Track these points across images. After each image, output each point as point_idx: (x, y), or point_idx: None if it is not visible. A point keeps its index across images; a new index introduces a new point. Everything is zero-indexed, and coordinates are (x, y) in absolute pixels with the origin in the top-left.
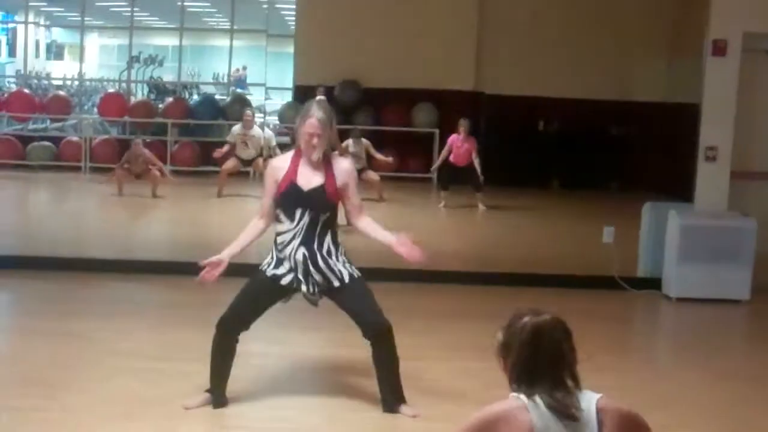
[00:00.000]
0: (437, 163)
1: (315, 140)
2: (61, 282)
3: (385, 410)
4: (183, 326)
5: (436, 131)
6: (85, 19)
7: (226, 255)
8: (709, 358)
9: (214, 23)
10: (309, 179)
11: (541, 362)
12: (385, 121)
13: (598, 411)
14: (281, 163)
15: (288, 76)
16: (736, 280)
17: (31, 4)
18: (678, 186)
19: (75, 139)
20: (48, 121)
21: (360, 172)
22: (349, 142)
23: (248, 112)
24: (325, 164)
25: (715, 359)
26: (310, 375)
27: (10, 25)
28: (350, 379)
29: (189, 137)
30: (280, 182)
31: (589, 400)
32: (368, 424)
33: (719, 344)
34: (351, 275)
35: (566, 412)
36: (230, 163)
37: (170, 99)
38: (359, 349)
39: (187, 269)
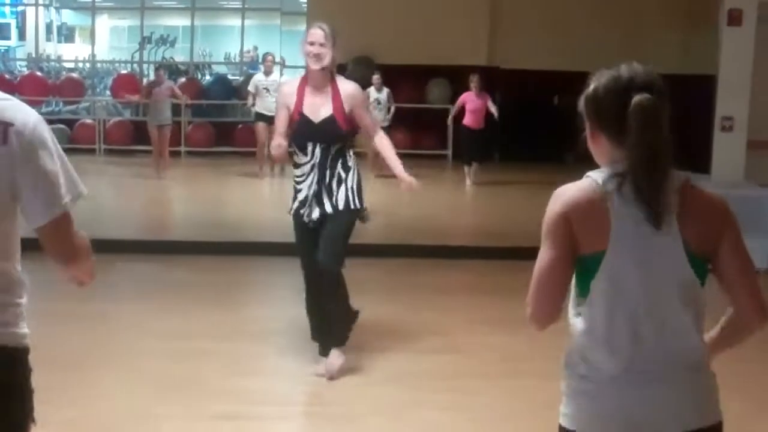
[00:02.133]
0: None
1: (319, 49)
2: None
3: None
4: (209, 306)
5: (450, 107)
6: (96, 0)
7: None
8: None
9: (225, 2)
10: (317, 110)
11: (647, 152)
12: (399, 97)
13: (680, 199)
14: (290, 88)
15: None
16: (755, 250)
17: None
18: (694, 158)
19: (89, 121)
20: (61, 104)
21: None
22: (371, 90)
23: (269, 56)
24: (331, 90)
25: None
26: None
27: (20, 8)
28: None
29: (203, 118)
30: (292, 113)
31: (673, 188)
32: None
33: None
34: (346, 205)
35: (644, 216)
36: (259, 128)
37: (183, 79)
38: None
39: (209, 249)
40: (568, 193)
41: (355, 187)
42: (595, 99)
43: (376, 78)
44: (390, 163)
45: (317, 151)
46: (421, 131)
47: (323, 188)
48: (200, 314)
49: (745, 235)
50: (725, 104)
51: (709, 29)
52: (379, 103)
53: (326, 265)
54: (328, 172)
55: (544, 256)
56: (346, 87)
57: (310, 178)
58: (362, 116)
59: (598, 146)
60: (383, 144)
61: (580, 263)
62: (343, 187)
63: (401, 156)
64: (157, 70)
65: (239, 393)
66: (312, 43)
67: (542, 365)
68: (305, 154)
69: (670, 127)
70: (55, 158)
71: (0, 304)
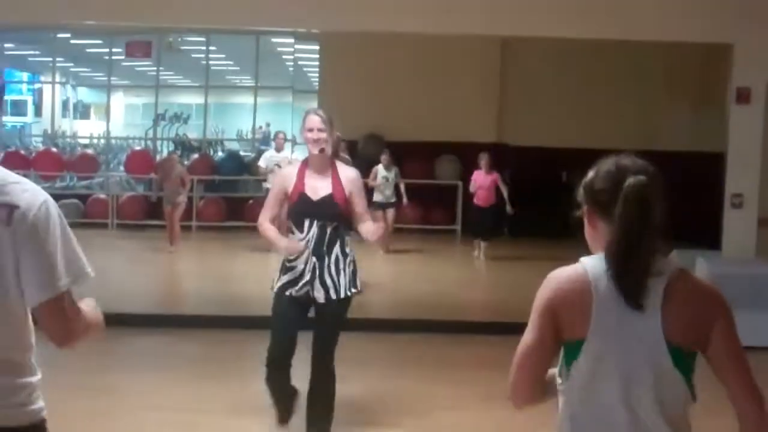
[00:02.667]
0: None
1: (318, 134)
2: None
3: None
4: (215, 379)
5: (460, 183)
6: (111, 78)
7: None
8: None
9: (238, 81)
10: (316, 189)
11: (636, 232)
12: (408, 174)
13: (668, 286)
14: (291, 171)
15: None
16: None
17: (57, 64)
18: (705, 234)
19: (102, 196)
20: (75, 179)
21: (388, 206)
22: (379, 167)
23: (280, 134)
24: (332, 172)
25: None
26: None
27: (36, 86)
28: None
29: (215, 193)
30: (291, 193)
31: (663, 275)
32: None
33: None
34: (346, 293)
35: (634, 301)
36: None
37: (195, 156)
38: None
39: (217, 323)
40: (556, 281)
41: (351, 273)
42: (593, 183)
43: (384, 157)
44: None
45: (314, 228)
46: (430, 207)
47: (325, 268)
48: (208, 387)
49: (756, 311)
50: (735, 181)
51: (717, 107)
52: (387, 180)
53: (323, 361)
54: (325, 251)
55: (526, 338)
56: (347, 172)
57: (305, 254)
58: (358, 201)
59: (595, 231)
60: (362, 227)
61: (564, 348)
62: (342, 274)
63: (411, 231)
64: (170, 153)
65: None
66: (311, 130)
67: None
68: (301, 231)
69: (667, 213)
70: (56, 241)
71: (15, 387)
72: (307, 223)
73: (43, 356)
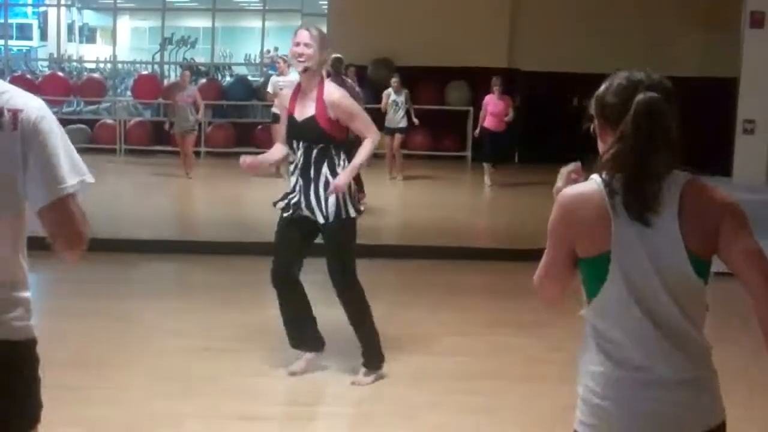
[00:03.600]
0: (479, 126)
1: (303, 49)
2: (104, 263)
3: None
4: (229, 306)
5: (470, 109)
6: (117, 1)
7: (260, 159)
8: (748, 332)
9: (246, 4)
10: (302, 110)
11: (645, 147)
12: (418, 99)
13: (681, 196)
14: (287, 92)
15: None
16: None
17: None
18: (715, 160)
19: (109, 121)
20: (82, 104)
21: (397, 131)
22: (390, 90)
23: (280, 59)
24: (318, 92)
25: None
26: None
27: (41, 9)
28: None
29: (223, 119)
30: (285, 115)
31: (675, 186)
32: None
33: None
34: (337, 215)
35: (642, 216)
36: (277, 128)
37: (203, 80)
38: None
39: (230, 249)
40: (568, 198)
41: (345, 196)
42: (604, 96)
43: (394, 80)
44: (353, 162)
45: (300, 149)
46: (440, 133)
47: (311, 190)
48: (222, 314)
49: (767, 237)
50: (747, 107)
51: (728, 32)
52: (397, 104)
53: (338, 285)
54: (312, 173)
55: (546, 255)
56: (331, 94)
57: (295, 176)
58: (351, 123)
59: (605, 144)
60: (364, 148)
61: (587, 265)
62: (333, 196)
63: (421, 157)
64: (183, 72)
65: (259, 393)
66: (297, 44)
67: (563, 368)
68: (294, 152)
69: (680, 131)
70: (58, 142)
71: (14, 300)
72: (295, 144)
73: (57, 282)
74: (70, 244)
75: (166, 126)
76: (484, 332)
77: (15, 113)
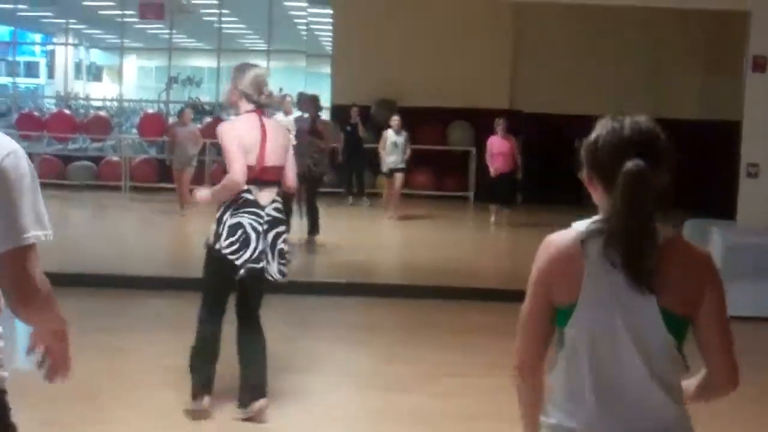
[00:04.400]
0: (491, 168)
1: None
2: (104, 298)
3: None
4: (226, 342)
5: (473, 150)
6: (124, 41)
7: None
8: (755, 374)
9: (250, 45)
10: None
11: (637, 210)
12: (421, 139)
13: (658, 255)
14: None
15: (325, 96)
16: None
17: (70, 26)
18: (717, 203)
19: (115, 158)
20: (88, 141)
21: (396, 171)
22: (389, 132)
23: (287, 98)
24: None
25: (762, 376)
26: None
27: (49, 48)
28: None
29: None
30: None
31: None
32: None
33: (765, 362)
34: (206, 241)
35: (636, 282)
36: None
37: (208, 119)
38: None
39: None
40: (550, 248)
41: (214, 222)
42: (594, 149)
43: (394, 120)
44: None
45: None
46: (443, 173)
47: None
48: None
49: None
50: (750, 150)
51: (731, 76)
52: (396, 145)
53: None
54: None
55: (524, 305)
56: (219, 126)
57: None
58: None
59: (594, 190)
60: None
61: (559, 314)
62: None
63: (423, 197)
64: (183, 109)
65: (255, 431)
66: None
67: None
68: None
69: (675, 178)
70: (24, 190)
71: None
72: None
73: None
74: (18, 299)
75: (168, 161)
76: (484, 373)
77: None
